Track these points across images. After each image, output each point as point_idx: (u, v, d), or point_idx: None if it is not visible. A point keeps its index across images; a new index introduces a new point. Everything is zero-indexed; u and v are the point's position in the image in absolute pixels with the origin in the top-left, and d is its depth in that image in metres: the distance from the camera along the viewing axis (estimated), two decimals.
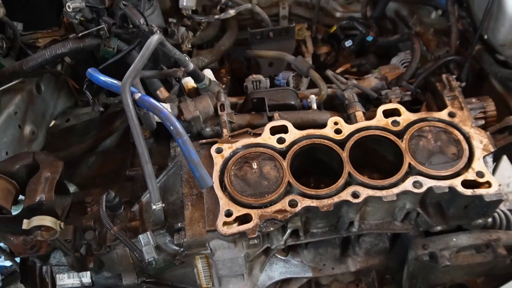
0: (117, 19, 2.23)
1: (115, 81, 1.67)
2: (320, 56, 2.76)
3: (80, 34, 2.08)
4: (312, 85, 2.32)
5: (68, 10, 2.08)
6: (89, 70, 1.80)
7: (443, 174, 1.65)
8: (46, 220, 1.65)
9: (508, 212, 2.02)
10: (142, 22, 1.99)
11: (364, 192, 1.62)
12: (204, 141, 1.85)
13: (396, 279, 2.07)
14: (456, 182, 1.62)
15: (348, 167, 1.67)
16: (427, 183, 1.63)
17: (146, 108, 1.59)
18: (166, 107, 1.87)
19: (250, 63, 2.66)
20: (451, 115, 1.79)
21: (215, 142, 1.82)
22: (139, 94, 1.57)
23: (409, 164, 1.68)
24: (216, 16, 2.44)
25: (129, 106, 1.54)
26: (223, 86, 2.40)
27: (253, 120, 1.96)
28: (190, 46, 2.56)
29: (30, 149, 2.45)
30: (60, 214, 1.93)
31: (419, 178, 1.64)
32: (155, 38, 1.72)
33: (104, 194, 1.80)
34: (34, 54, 2.09)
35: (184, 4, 2.39)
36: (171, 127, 1.50)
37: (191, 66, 1.92)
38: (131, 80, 1.58)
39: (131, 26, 2.10)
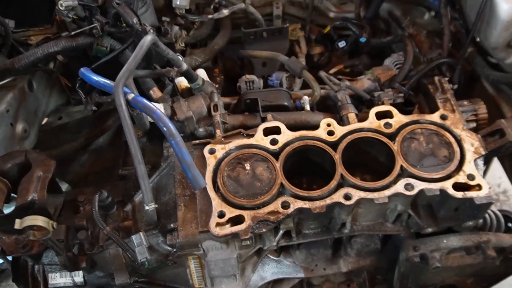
0: (110, 17, 2.22)
1: (108, 81, 1.67)
2: (314, 57, 2.77)
3: (72, 33, 2.07)
4: (305, 85, 2.32)
5: (61, 8, 2.07)
6: (82, 69, 1.79)
7: (434, 176, 1.66)
8: (39, 220, 1.64)
9: (498, 213, 2.04)
10: (135, 22, 1.98)
11: (356, 194, 1.63)
12: (197, 141, 1.85)
13: (387, 279, 2.09)
14: (447, 185, 1.63)
15: (340, 169, 1.68)
16: (419, 185, 1.64)
17: (139, 109, 1.59)
18: (159, 107, 1.87)
19: (243, 63, 2.66)
20: (443, 117, 1.80)
21: (208, 143, 1.82)
22: (132, 95, 1.57)
23: (401, 166, 1.69)
24: (210, 16, 2.44)
25: (122, 106, 1.54)
26: (217, 85, 2.40)
27: (246, 120, 1.96)
28: (183, 45, 2.56)
29: (22, 147, 2.44)
30: (53, 213, 1.92)
31: (411, 181, 1.65)
32: (148, 38, 1.71)
33: (96, 194, 1.80)
34: (26, 52, 2.08)
35: (178, 3, 2.39)
36: (164, 128, 1.50)
37: (184, 66, 1.92)
38: (124, 80, 1.58)
39: (124, 25, 2.10)
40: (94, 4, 2.20)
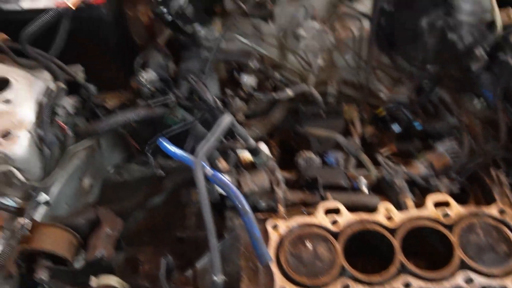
0: (181, 88, 2.43)
1: (187, 155, 1.81)
2: (365, 135, 2.87)
3: (151, 103, 2.26)
4: (360, 164, 2.42)
5: (142, 80, 2.29)
6: (160, 140, 1.95)
7: (494, 272, 1.69)
8: (113, 280, 1.75)
9: None
10: (209, 98, 2.17)
11: (416, 283, 1.67)
12: (260, 215, 1.95)
13: None
14: (508, 282, 1.66)
15: (400, 256, 1.74)
16: (479, 280, 1.67)
17: (217, 184, 1.72)
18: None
19: (299, 137, 2.79)
20: (501, 212, 1.85)
21: (270, 217, 1.91)
22: (211, 171, 1.70)
23: (460, 258, 1.73)
24: (275, 96, 2.60)
25: (201, 181, 1.66)
26: (274, 158, 2.53)
27: (306, 197, 2.06)
28: (243, 117, 2.72)
29: (86, 201, 2.60)
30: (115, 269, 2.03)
31: (471, 275, 1.68)
32: (227, 119, 1.87)
33: (163, 257, 1.90)
34: (108, 118, 2.28)
35: (245, 81, 2.57)
36: (239, 205, 1.62)
37: (253, 143, 2.06)
38: (203, 157, 1.72)
39: (197, 98, 2.29)
40: (167, 76, 2.42)
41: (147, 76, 2.29)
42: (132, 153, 2.93)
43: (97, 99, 2.56)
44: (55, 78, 2.32)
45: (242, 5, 2.39)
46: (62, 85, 2.28)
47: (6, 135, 2.00)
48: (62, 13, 2.30)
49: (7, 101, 2.13)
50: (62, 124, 2.18)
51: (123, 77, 2.65)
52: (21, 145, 2.00)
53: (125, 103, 2.58)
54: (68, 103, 2.33)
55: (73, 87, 2.43)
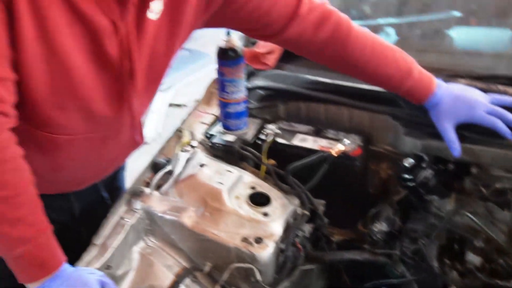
0: (405, 245, 2.65)
1: None
2: None
3: (378, 252, 2.55)
4: None
5: (374, 229, 2.61)
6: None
7: None
8: None
9: None
10: (434, 265, 2.34)
11: None
12: None
13: None
14: None
15: None
16: None
17: None
18: None
19: None
20: None
21: None
22: None
23: None
24: (500, 283, 2.61)
25: None
26: None
27: None
28: None
29: None
30: None
31: None
32: None
33: None
34: (337, 252, 2.64)
35: (470, 258, 2.65)
36: None
37: None
38: None
39: (420, 260, 2.48)
40: (394, 230, 2.69)
41: (379, 227, 2.61)
42: (337, 286, 3.20)
43: (327, 231, 2.97)
44: (302, 205, 2.81)
45: (483, 189, 2.58)
46: (307, 213, 2.75)
47: (258, 241, 2.50)
48: (325, 157, 2.84)
49: (265, 214, 2.66)
50: (299, 245, 2.61)
51: (352, 219, 3.04)
52: (267, 252, 2.45)
53: (348, 241, 2.92)
54: (307, 228, 2.78)
55: (311, 216, 2.89)
